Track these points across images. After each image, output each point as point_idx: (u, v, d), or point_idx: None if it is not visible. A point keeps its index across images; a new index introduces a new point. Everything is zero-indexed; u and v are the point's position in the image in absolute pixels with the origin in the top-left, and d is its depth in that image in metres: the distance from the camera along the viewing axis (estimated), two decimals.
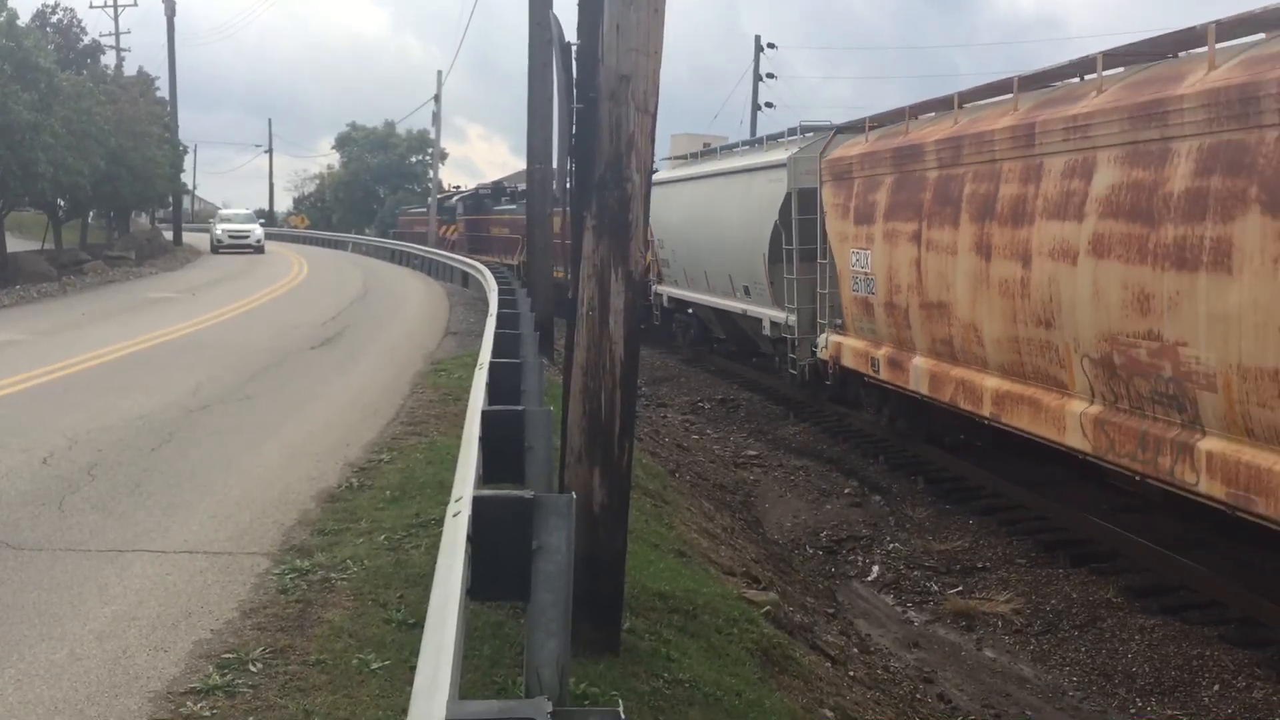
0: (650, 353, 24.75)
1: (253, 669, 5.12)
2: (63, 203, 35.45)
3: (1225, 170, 8.05)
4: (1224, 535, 10.25)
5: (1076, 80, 10.90)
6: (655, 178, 15.09)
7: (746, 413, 19.53)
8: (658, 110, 5.64)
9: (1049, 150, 10.36)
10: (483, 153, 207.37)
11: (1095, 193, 9.56)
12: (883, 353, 14.31)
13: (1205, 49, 8.68)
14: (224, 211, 59.11)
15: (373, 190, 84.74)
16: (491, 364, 8.28)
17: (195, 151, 78.67)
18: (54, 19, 39.62)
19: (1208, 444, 8.36)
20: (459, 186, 58.08)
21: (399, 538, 7.16)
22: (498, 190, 46.28)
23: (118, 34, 51.03)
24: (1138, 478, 9.51)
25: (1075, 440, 10.09)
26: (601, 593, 5.61)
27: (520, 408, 6.86)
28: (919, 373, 13.26)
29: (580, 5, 5.64)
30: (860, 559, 11.73)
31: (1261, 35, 8.58)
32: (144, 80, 44.35)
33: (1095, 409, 9.85)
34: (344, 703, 4.79)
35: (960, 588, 10.67)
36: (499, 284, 19.80)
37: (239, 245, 49.71)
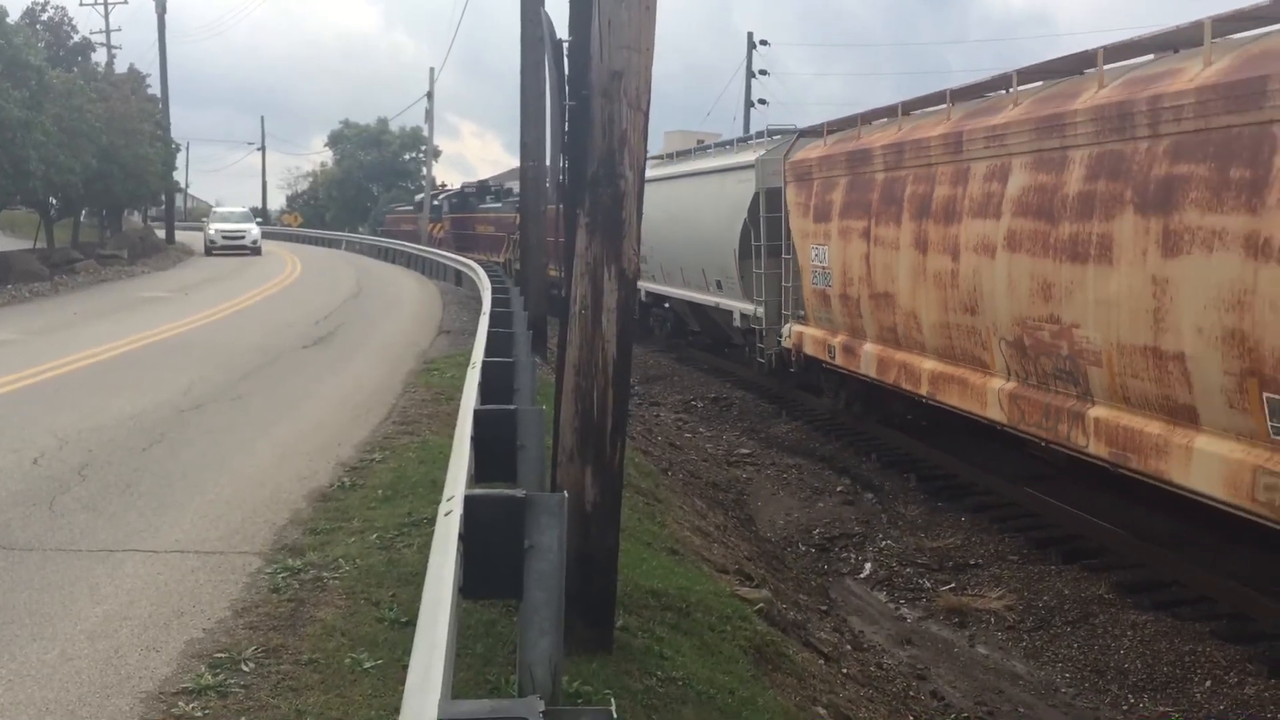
0: (642, 351, 24.78)
1: (245, 668, 5.11)
2: (54, 201, 35.37)
3: (1108, 176, 9.24)
4: (1215, 532, 10.27)
5: (1002, 93, 11.89)
6: None
7: (739, 411, 19.54)
8: (650, 107, 5.64)
9: (974, 156, 11.56)
10: (475, 150, 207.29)
11: (1009, 194, 10.75)
12: (838, 340, 15.48)
13: (1095, 70, 9.94)
14: (218, 209, 55.36)
15: (366, 188, 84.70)
16: (484, 363, 8.27)
17: (188, 149, 78.50)
18: (44, 16, 39.52)
19: (1095, 411, 9.65)
20: (444, 185, 59.21)
21: (391, 536, 7.15)
22: (483, 189, 48.19)
23: (108, 31, 50.99)
24: (1043, 443, 10.84)
25: (995, 413, 11.39)
26: (594, 591, 5.60)
27: (513, 407, 6.85)
28: (869, 358, 14.47)
29: (572, 2, 5.63)
30: (853, 556, 11.75)
31: (1150, 57, 9.83)
32: (135, 78, 44.19)
33: (1010, 385, 11.16)
34: (336, 702, 4.78)
35: (953, 584, 10.69)
36: (492, 282, 19.79)
37: (234, 246, 46.66)
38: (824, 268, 15.59)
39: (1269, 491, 7.60)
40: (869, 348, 14.47)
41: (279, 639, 5.46)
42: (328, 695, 4.85)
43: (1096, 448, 9.60)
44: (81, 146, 30.69)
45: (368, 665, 5.14)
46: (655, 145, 34.04)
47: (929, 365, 12.78)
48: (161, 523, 7.50)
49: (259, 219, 59.12)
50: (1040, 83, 11.29)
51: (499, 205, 43.14)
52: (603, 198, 5.54)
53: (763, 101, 49.61)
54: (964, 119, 12.03)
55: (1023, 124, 10.63)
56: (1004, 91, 11.80)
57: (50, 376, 13.55)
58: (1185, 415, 8.58)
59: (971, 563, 11.15)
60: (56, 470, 8.88)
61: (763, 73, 48.79)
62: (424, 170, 66.91)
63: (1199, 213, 8.17)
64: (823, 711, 6.60)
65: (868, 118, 15.04)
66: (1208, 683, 8.32)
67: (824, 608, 9.80)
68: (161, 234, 51.42)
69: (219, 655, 5.26)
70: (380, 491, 8.35)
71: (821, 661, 7.74)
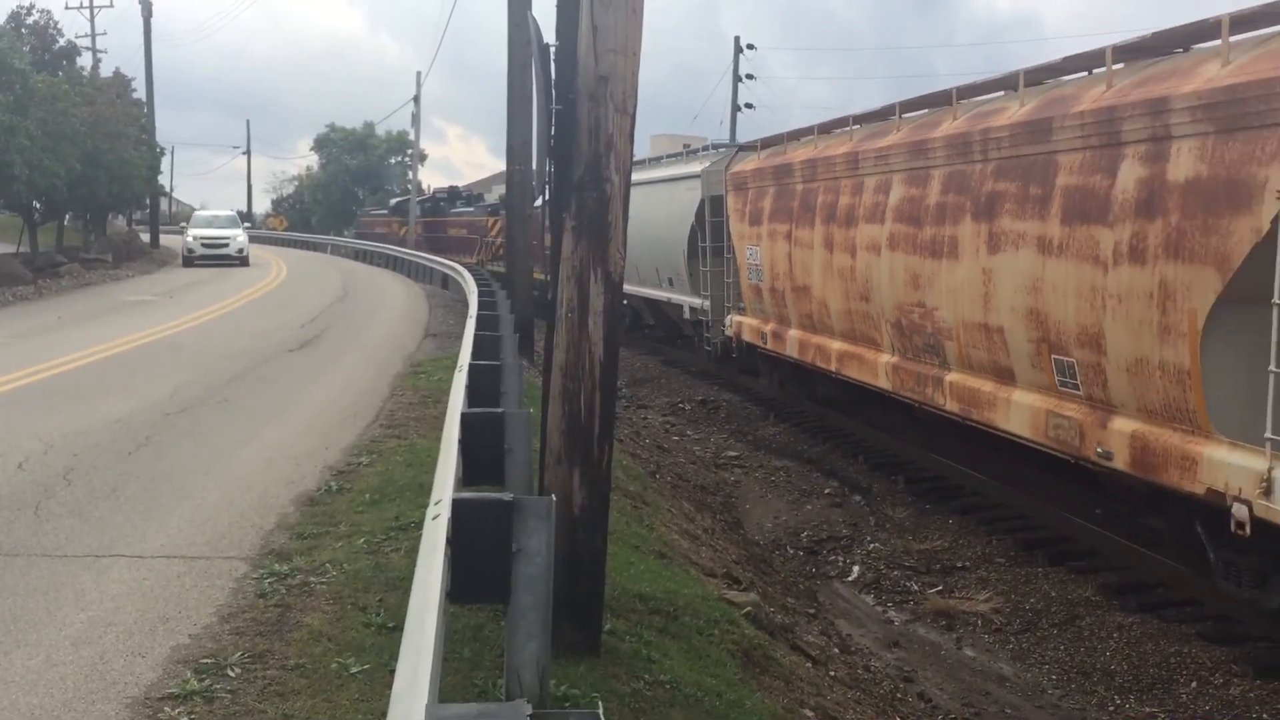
0: (629, 354, 24.83)
1: (231, 674, 5.09)
2: (38, 205, 35.19)
3: (955, 190, 11.73)
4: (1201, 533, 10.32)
5: (893, 119, 14.02)
6: None
7: (727, 414, 19.55)
8: (636, 111, 5.64)
9: (866, 172, 14.05)
10: (460, 153, 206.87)
11: (891, 204, 13.20)
12: (770, 328, 18.03)
13: (951, 106, 12.46)
14: (200, 213, 48.72)
15: (351, 191, 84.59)
16: (471, 366, 8.26)
17: (173, 153, 78.07)
18: (29, 20, 39.29)
19: (950, 377, 12.20)
20: (431, 188, 60.88)
21: (378, 541, 7.13)
22: (453, 194, 51.90)
23: (94, 35, 50.82)
24: (916, 405, 13.38)
25: (884, 383, 13.95)
26: (582, 595, 5.59)
27: (500, 410, 6.85)
28: (793, 341, 17.05)
29: (559, 6, 5.63)
30: (841, 559, 11.76)
31: (1001, 93, 11.91)
32: (120, 81, 44.04)
33: (894, 359, 13.71)
34: (323, 707, 4.77)
35: (940, 587, 10.71)
36: (478, 285, 19.78)
37: (215, 256, 40.46)
38: (757, 265, 18.12)
39: (1056, 429, 10.15)
40: (793, 333, 17.07)
41: (265, 644, 5.44)
42: (314, 700, 4.83)
43: (951, 405, 12.15)
44: (66, 150, 30.56)
45: (355, 670, 5.13)
46: (641, 149, 34.25)
47: (837, 346, 15.39)
48: (147, 527, 7.47)
49: (247, 224, 54.74)
50: (924, 110, 13.55)
51: (470, 209, 46.51)
52: (589, 201, 5.54)
53: (750, 105, 49.49)
54: (861, 140, 14.56)
55: (901, 147, 13.10)
56: (893, 118, 13.96)
57: (35, 380, 13.48)
58: (1007, 375, 11.06)
59: (959, 565, 11.18)
60: (42, 475, 8.83)
61: (749, 76, 48.84)
62: (410, 174, 66.90)
63: (1011, 219, 10.57)
64: (810, 714, 6.60)
65: (793, 135, 17.70)
66: (1193, 684, 8.35)
67: (812, 611, 9.81)
68: (146, 238, 51.13)
69: (205, 661, 5.24)
70: (368, 495, 8.33)
71: (809, 664, 7.75)
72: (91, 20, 51.12)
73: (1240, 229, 7.80)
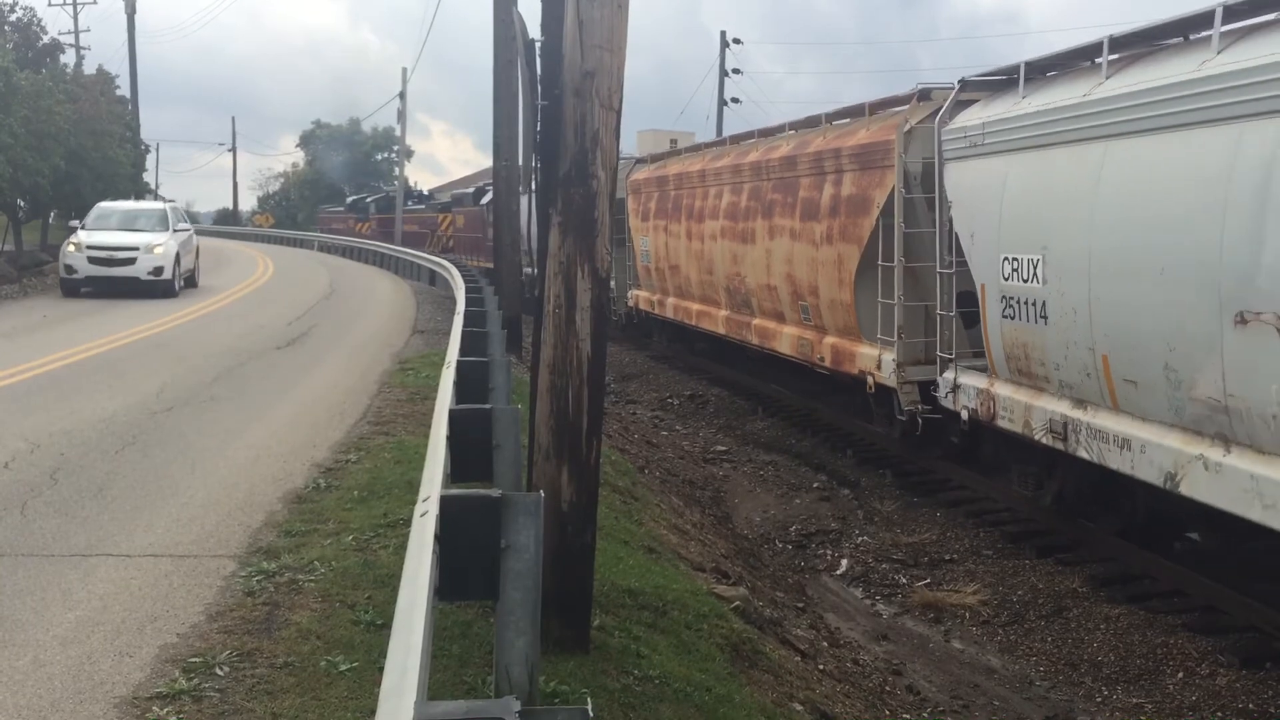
0: (618, 349, 24.85)
1: (219, 673, 5.08)
2: (22, 203, 35.01)
3: (753, 198, 17.78)
4: (1186, 526, 10.37)
5: (726, 146, 20.67)
6: None
7: (715, 408, 19.57)
8: (622, 107, 5.64)
9: (709, 184, 20.19)
10: (445, 149, 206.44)
11: (722, 206, 19.25)
12: (656, 298, 24.40)
13: (753, 140, 19.31)
14: (102, 205, 28.37)
15: (338, 188, 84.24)
16: (459, 362, 8.25)
17: (157, 150, 77.67)
18: (13, 17, 39.07)
19: (755, 322, 18.32)
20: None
21: (367, 538, 7.12)
22: (406, 193, 55.93)
23: (77, 32, 50.51)
24: (737, 342, 19.61)
25: (721, 330, 20.09)
26: (571, 591, 5.60)
27: (488, 406, 6.85)
28: (670, 306, 23.31)
29: (544, 2, 5.62)
30: (829, 553, 11.79)
31: (789, 132, 17.62)
32: (104, 79, 43.75)
33: (726, 313, 19.81)
34: (312, 705, 4.77)
35: (928, 580, 10.75)
36: (466, 282, 19.76)
37: (111, 280, 24.57)
38: (647, 251, 24.39)
39: (801, 348, 16.29)
40: (670, 300, 23.33)
41: (254, 643, 5.43)
42: (303, 698, 4.83)
43: (755, 340, 18.40)
44: (50, 148, 30.40)
45: (343, 668, 5.12)
46: (627, 145, 34.68)
47: (696, 307, 21.60)
48: (135, 526, 7.45)
49: (192, 223, 32.79)
50: (751, 139, 19.38)
51: (421, 207, 51.93)
52: (575, 197, 5.54)
53: (736, 100, 49.52)
54: (709, 161, 20.71)
55: (726, 169, 19.26)
56: (725, 146, 20.74)
57: (20, 379, 13.42)
58: (780, 317, 17.23)
59: (947, 558, 11.21)
60: (28, 474, 8.80)
61: (736, 71, 48.87)
62: (396, 170, 66.96)
63: (779, 218, 16.54)
64: (799, 707, 6.62)
65: (671, 154, 24.79)
66: (1180, 674, 8.39)
67: (800, 605, 9.83)
68: None
69: (193, 660, 5.23)
70: (356, 493, 8.32)
71: (798, 658, 7.77)
72: (75, 17, 50.90)
73: (866, 224, 13.78)
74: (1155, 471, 8.52)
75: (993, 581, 10.44)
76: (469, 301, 15.38)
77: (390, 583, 5.93)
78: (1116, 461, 9.03)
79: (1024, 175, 10.29)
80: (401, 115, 57.29)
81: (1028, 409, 10.38)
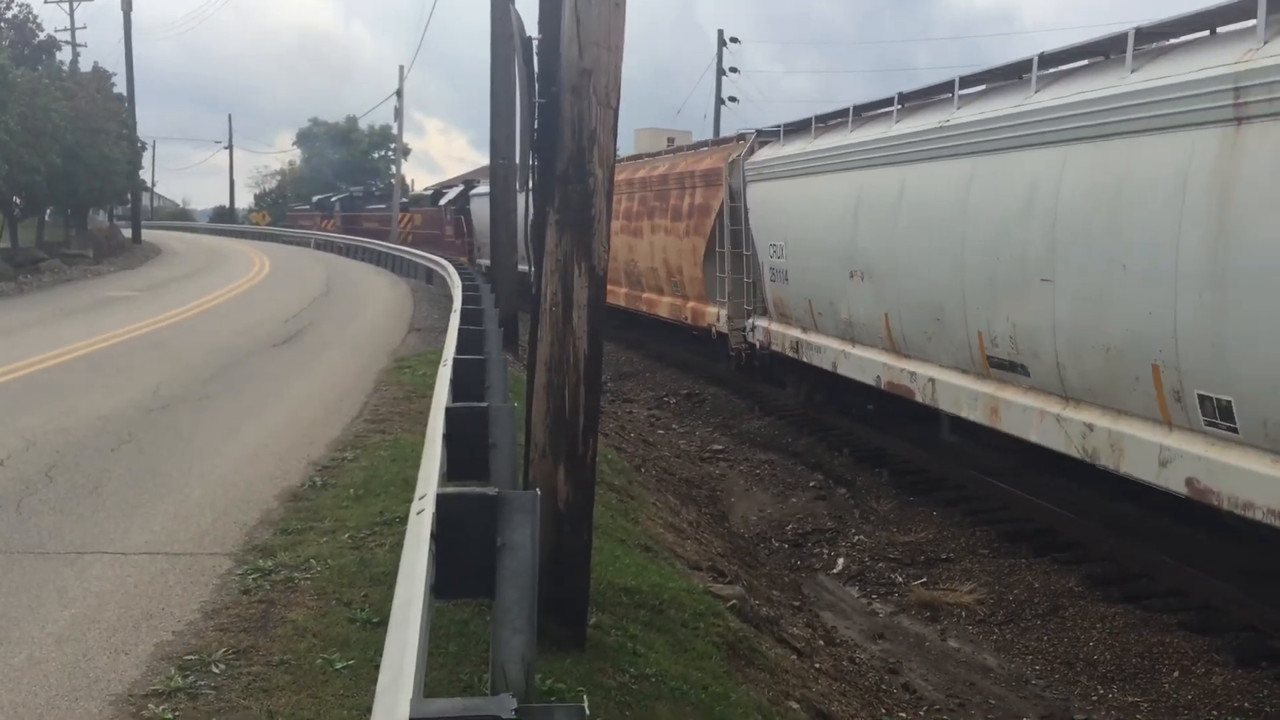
0: (614, 348, 24.86)
1: (215, 670, 5.08)
2: (18, 201, 34.96)
3: (641, 204, 23.56)
4: (1183, 524, 10.38)
5: (639, 160, 25.76)
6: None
7: (712, 407, 19.57)
8: (620, 105, 5.63)
9: (620, 192, 23.06)
10: (440, 146, 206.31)
11: (620, 210, 23.22)
12: (620, 290, 27.26)
13: (665, 156, 24.82)
14: None
15: (334, 186, 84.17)
16: (455, 360, 8.24)
17: (154, 148, 77.54)
18: (9, 14, 39.01)
19: (645, 295, 24.14)
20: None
21: (363, 536, 7.11)
22: (368, 193, 63.79)
23: (74, 29, 50.41)
24: (635, 312, 24.79)
25: (623, 304, 25.08)
26: (567, 589, 5.59)
27: (484, 404, 6.84)
28: (628, 298, 26.00)
29: None
30: (825, 552, 11.79)
31: (671, 154, 24.01)
32: (101, 76, 43.68)
33: (626, 289, 25.22)
34: (308, 703, 4.76)
35: (924, 579, 10.75)
36: (463, 280, 19.75)
37: None
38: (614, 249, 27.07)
39: (674, 312, 22.16)
40: (635, 292, 26.37)
41: (250, 640, 5.43)
42: (299, 696, 4.82)
43: (645, 309, 23.92)
44: (46, 145, 30.35)
45: (339, 666, 5.12)
46: (625, 143, 35.16)
47: (647, 295, 24.61)
48: (130, 524, 7.44)
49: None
50: (658, 152, 25.33)
51: (382, 207, 56.67)
52: (572, 195, 5.53)
53: (733, 99, 49.54)
54: (643, 171, 24.43)
55: (634, 181, 23.94)
56: (637, 160, 25.66)
57: (16, 377, 13.40)
58: (661, 290, 22.87)
59: (943, 557, 11.21)
60: (24, 472, 8.78)
61: (733, 70, 48.96)
62: (393, 169, 67.18)
63: (659, 218, 22.30)
64: (796, 706, 6.62)
65: (627, 160, 27.15)
66: (1176, 673, 8.40)
67: (797, 603, 9.83)
68: (128, 233, 50.85)
69: (189, 657, 5.22)
70: (352, 491, 8.31)
71: (794, 657, 7.77)
72: (71, 14, 50.81)
73: (708, 223, 19.62)
74: (827, 360, 15.46)
75: (989, 580, 10.45)
76: (465, 300, 15.36)
77: (386, 581, 5.92)
78: (816, 360, 15.92)
79: (779, 193, 16.70)
80: (398, 113, 57.27)
81: (783, 336, 17.14)
